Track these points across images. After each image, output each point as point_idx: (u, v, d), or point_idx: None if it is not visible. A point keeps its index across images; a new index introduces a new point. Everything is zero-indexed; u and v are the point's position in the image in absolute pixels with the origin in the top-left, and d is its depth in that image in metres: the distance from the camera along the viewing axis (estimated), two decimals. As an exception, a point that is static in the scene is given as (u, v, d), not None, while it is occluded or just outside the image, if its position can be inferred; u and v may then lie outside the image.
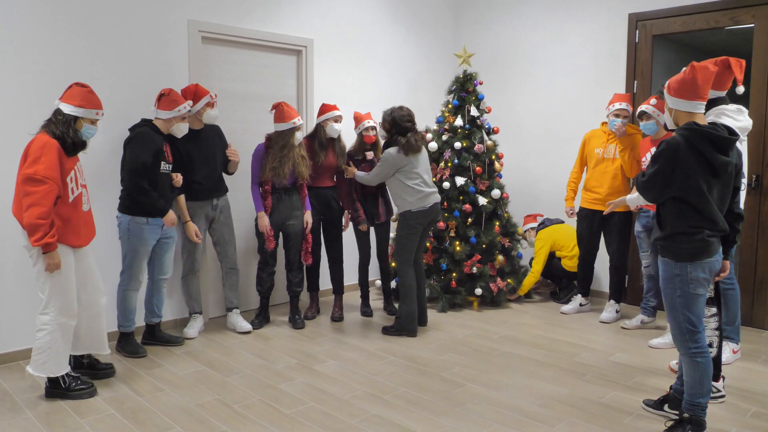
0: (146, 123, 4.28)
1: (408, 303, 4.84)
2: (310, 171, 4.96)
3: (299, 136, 4.83)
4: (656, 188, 3.05)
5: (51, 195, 3.34)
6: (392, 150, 4.73)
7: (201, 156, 4.64)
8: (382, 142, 5.03)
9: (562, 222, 5.92)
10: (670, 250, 3.07)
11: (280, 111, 4.78)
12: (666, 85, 3.16)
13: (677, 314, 3.11)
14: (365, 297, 5.51)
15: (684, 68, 3.13)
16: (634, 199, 4.09)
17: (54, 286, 3.50)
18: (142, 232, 4.23)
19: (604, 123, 5.24)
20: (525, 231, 6.10)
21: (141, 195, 4.14)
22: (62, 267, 3.48)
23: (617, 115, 5.02)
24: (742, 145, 3.71)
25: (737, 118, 3.52)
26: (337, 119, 5.11)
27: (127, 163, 4.16)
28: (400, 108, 4.78)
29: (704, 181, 2.97)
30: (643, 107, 4.71)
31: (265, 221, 4.84)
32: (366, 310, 5.46)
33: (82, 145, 3.58)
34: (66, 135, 3.46)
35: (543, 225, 5.94)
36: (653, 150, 4.72)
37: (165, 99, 4.26)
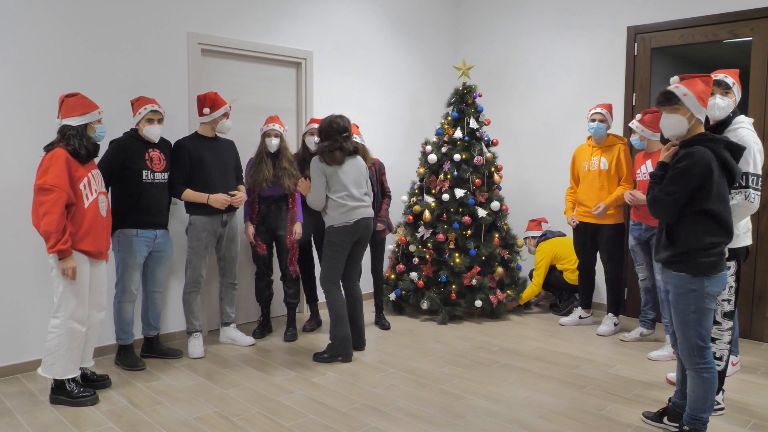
0: (130, 131, 4.31)
1: (340, 326, 4.49)
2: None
3: (269, 142, 4.83)
4: (679, 206, 3.00)
5: (60, 202, 3.49)
6: (315, 158, 4.46)
7: (214, 166, 4.58)
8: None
9: (564, 235, 5.93)
10: (689, 265, 3.02)
11: (267, 120, 4.95)
12: (686, 93, 3.06)
13: (689, 330, 3.07)
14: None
15: (694, 76, 3.13)
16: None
17: (66, 291, 3.63)
18: (131, 244, 4.23)
19: (589, 137, 5.27)
20: (525, 238, 6.12)
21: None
22: (77, 273, 3.62)
23: (593, 120, 5.13)
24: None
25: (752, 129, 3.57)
26: (313, 132, 5.06)
27: None
28: (337, 115, 4.48)
29: (726, 191, 3.01)
30: (630, 123, 4.80)
31: (249, 230, 4.91)
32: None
33: (96, 149, 3.76)
34: (81, 146, 3.64)
35: (545, 237, 5.95)
36: (648, 163, 4.74)
37: (134, 106, 4.30)
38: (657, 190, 3.07)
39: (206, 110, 4.52)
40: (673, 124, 3.06)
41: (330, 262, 4.50)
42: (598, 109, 5.10)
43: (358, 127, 5.22)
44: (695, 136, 3.04)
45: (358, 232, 4.50)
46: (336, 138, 4.41)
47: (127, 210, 4.21)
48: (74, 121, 3.65)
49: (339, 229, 4.44)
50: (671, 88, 3.07)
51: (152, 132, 4.29)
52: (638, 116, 4.77)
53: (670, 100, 3.06)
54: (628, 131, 4.87)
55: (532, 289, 5.81)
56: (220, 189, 4.58)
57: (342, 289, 4.63)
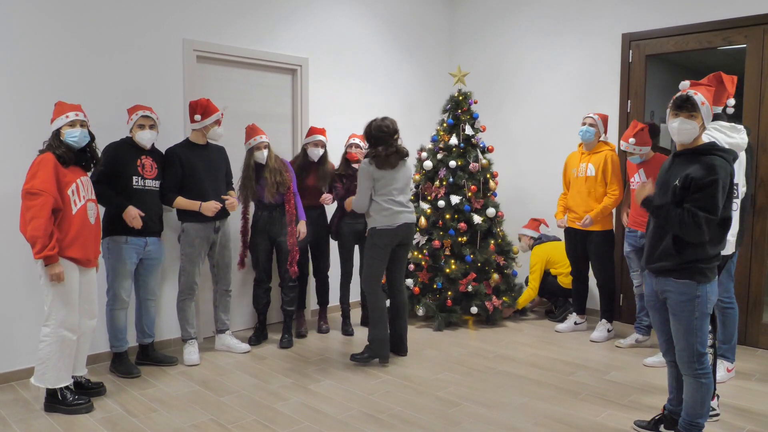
0: (126, 138, 4.32)
1: (379, 328, 4.54)
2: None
3: (260, 155, 4.83)
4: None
5: (47, 207, 3.45)
6: (365, 161, 4.54)
7: (206, 173, 4.57)
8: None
9: (559, 239, 5.94)
10: (695, 272, 3.02)
11: (245, 132, 4.96)
12: (704, 102, 3.04)
13: (692, 337, 3.06)
14: (346, 316, 5.50)
15: (700, 80, 3.14)
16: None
17: (56, 298, 3.60)
18: (121, 251, 4.22)
19: (581, 144, 5.28)
20: (522, 235, 6.11)
21: (101, 200, 4.07)
22: (65, 280, 3.58)
23: (584, 123, 5.15)
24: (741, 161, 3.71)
25: (730, 135, 3.55)
26: (317, 143, 5.14)
27: None
28: (383, 118, 4.55)
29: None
30: (622, 145, 4.77)
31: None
32: (347, 329, 5.43)
33: (72, 152, 3.68)
34: (57, 148, 3.62)
35: (540, 241, 5.96)
36: (641, 172, 4.76)
37: (129, 112, 4.32)
38: (705, 215, 2.91)
39: (197, 117, 4.51)
40: (689, 131, 3.02)
41: (372, 264, 4.56)
42: (591, 114, 5.12)
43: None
44: (707, 145, 3.03)
45: (399, 235, 4.56)
46: (390, 142, 4.49)
47: (118, 216, 4.18)
48: (53, 127, 3.67)
49: (381, 231, 4.50)
50: (690, 93, 3.04)
51: (143, 137, 4.28)
52: (631, 140, 4.66)
53: (694, 107, 3.02)
54: (623, 152, 4.85)
55: (529, 293, 5.81)
56: (212, 196, 4.57)
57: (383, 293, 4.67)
